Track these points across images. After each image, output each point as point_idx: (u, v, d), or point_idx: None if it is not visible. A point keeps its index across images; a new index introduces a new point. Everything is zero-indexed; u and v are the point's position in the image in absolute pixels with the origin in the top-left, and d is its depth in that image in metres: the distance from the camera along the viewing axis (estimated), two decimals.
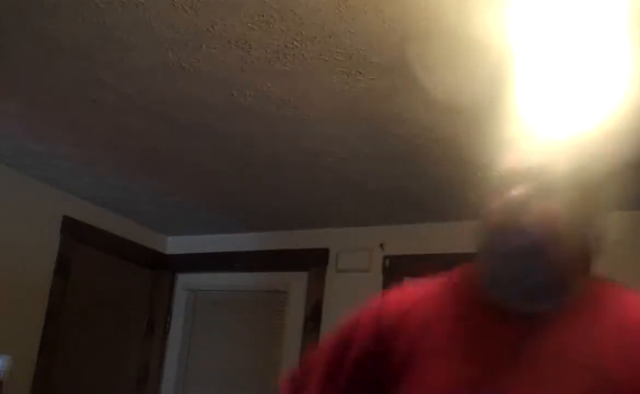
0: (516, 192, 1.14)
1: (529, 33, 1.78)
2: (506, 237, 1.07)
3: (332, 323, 3.54)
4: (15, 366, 2.94)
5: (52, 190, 3.56)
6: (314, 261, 3.71)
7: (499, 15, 1.72)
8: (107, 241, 3.88)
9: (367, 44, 1.93)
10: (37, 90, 2.49)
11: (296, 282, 3.76)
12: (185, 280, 4.25)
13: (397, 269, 3.45)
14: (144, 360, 4.16)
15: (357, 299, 3.97)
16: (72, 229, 3.66)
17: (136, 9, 1.90)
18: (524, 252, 1.06)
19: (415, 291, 1.24)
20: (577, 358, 1.03)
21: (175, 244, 4.31)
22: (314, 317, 3.63)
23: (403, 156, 2.67)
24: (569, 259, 1.08)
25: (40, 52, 2.20)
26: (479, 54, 1.90)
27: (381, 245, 3.52)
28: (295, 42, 1.97)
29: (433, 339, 1.13)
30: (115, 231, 3.93)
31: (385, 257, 3.49)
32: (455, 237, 3.30)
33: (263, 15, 1.85)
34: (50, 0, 1.90)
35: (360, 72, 2.09)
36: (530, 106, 2.16)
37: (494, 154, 2.55)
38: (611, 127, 2.21)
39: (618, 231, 2.81)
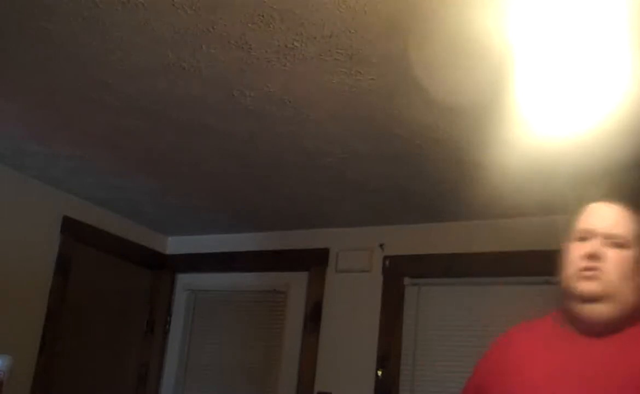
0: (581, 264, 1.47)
1: (529, 33, 1.78)
2: (572, 296, 1.48)
3: (332, 323, 3.55)
4: (15, 366, 2.94)
5: (52, 190, 3.56)
6: (314, 261, 3.71)
7: (499, 15, 1.72)
8: (107, 241, 3.88)
9: (367, 44, 1.93)
10: (37, 90, 2.49)
11: (296, 282, 3.77)
12: (185, 280, 4.25)
13: (397, 269, 3.46)
14: (144, 360, 4.16)
15: (357, 299, 3.99)
16: (72, 229, 3.66)
17: (136, 9, 1.90)
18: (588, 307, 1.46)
19: (516, 330, 1.64)
20: (616, 373, 1.39)
21: (175, 244, 4.31)
22: (314, 317, 3.63)
23: (403, 156, 2.67)
24: (620, 310, 1.44)
25: (40, 52, 2.20)
26: (479, 54, 1.90)
27: (381, 245, 3.52)
28: (295, 42, 1.97)
29: (525, 359, 1.52)
30: (115, 231, 3.93)
31: (385, 257, 3.49)
32: (455, 237, 3.31)
33: (263, 15, 1.85)
34: (50, 0, 1.90)
35: (360, 72, 2.09)
36: (530, 106, 2.16)
37: (494, 154, 2.56)
38: (611, 127, 2.22)
39: None
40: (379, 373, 3.34)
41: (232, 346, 3.94)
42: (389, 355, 3.35)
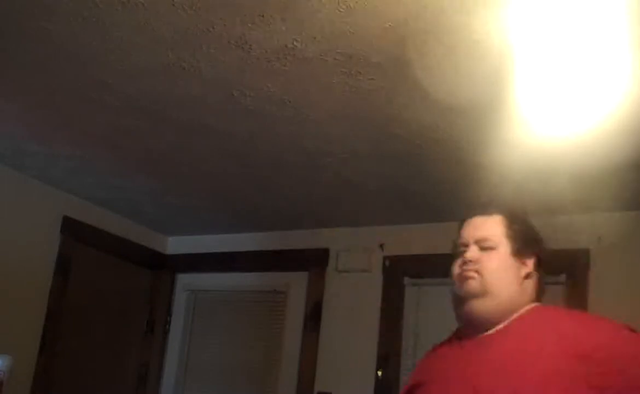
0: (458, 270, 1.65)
1: (529, 33, 1.78)
2: (458, 300, 1.64)
3: (332, 323, 3.55)
4: (15, 366, 2.94)
5: (52, 190, 3.56)
6: (314, 261, 3.71)
7: (499, 16, 1.72)
8: (107, 241, 3.89)
9: (367, 44, 1.93)
10: (37, 90, 2.49)
11: (296, 282, 3.77)
12: (185, 280, 4.25)
13: (397, 269, 3.46)
14: (144, 360, 4.16)
15: (357, 299, 3.98)
16: (72, 229, 3.66)
17: (136, 9, 1.90)
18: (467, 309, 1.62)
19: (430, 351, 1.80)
20: (503, 363, 1.51)
21: (175, 244, 4.31)
22: (314, 317, 3.63)
23: (403, 156, 2.67)
24: (498, 303, 1.59)
25: (40, 52, 2.20)
26: (479, 54, 1.90)
27: (381, 245, 3.52)
28: (295, 42, 1.97)
29: (429, 368, 1.72)
30: (115, 231, 3.93)
31: (385, 257, 3.49)
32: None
33: (263, 15, 1.85)
34: (50, 0, 1.91)
35: (360, 72, 2.09)
36: (530, 106, 2.16)
37: (494, 154, 2.56)
38: (611, 127, 2.22)
39: (618, 231, 2.80)
40: (379, 373, 3.34)
41: (232, 346, 3.94)
42: (389, 355, 3.35)
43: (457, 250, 1.68)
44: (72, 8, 1.93)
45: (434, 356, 1.75)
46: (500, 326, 1.59)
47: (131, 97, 2.45)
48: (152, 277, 4.27)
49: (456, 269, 1.65)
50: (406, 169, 2.80)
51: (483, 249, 1.62)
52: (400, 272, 3.45)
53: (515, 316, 1.59)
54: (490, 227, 1.64)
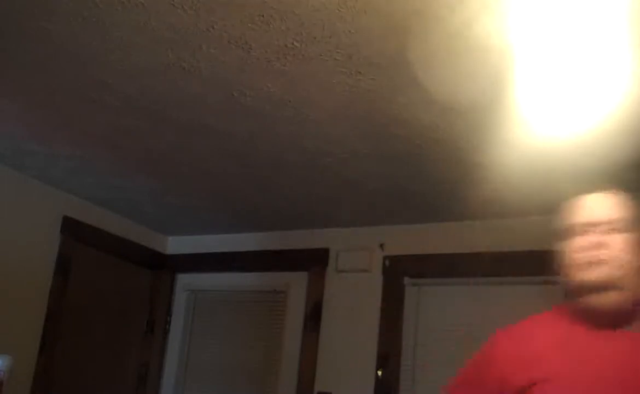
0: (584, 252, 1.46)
1: (529, 33, 1.78)
2: (583, 289, 1.45)
3: (332, 323, 3.55)
4: (15, 366, 2.94)
5: (52, 190, 3.57)
6: (314, 261, 3.71)
7: (499, 16, 1.72)
8: (107, 241, 3.89)
9: (367, 44, 1.93)
10: (37, 90, 2.49)
11: (296, 282, 3.77)
12: (185, 280, 4.25)
13: (397, 269, 3.46)
14: (144, 360, 4.16)
15: (357, 299, 3.97)
16: (72, 229, 3.66)
17: (136, 9, 1.90)
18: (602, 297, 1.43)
19: (522, 325, 1.60)
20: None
21: (175, 244, 4.31)
22: (313, 317, 3.63)
23: (403, 156, 2.67)
24: (631, 295, 1.43)
25: (40, 52, 2.20)
26: (479, 54, 1.90)
27: (381, 245, 3.52)
28: (295, 42, 1.97)
29: (549, 361, 1.48)
30: (115, 231, 3.93)
31: (385, 257, 3.49)
32: (455, 237, 3.31)
33: (263, 15, 1.85)
34: (50, 0, 1.91)
35: (360, 72, 2.09)
36: (530, 106, 2.16)
37: (494, 154, 2.56)
38: (611, 127, 2.22)
39: None
40: (379, 373, 3.34)
41: (232, 346, 3.94)
42: (389, 355, 3.35)
43: (575, 230, 1.48)
44: (72, 8, 1.93)
45: (542, 344, 1.50)
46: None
47: (131, 97, 2.45)
48: (152, 277, 4.27)
49: (582, 253, 1.45)
50: (406, 169, 2.80)
51: (611, 232, 1.45)
52: (400, 272, 3.45)
53: None
54: (619, 209, 1.47)
